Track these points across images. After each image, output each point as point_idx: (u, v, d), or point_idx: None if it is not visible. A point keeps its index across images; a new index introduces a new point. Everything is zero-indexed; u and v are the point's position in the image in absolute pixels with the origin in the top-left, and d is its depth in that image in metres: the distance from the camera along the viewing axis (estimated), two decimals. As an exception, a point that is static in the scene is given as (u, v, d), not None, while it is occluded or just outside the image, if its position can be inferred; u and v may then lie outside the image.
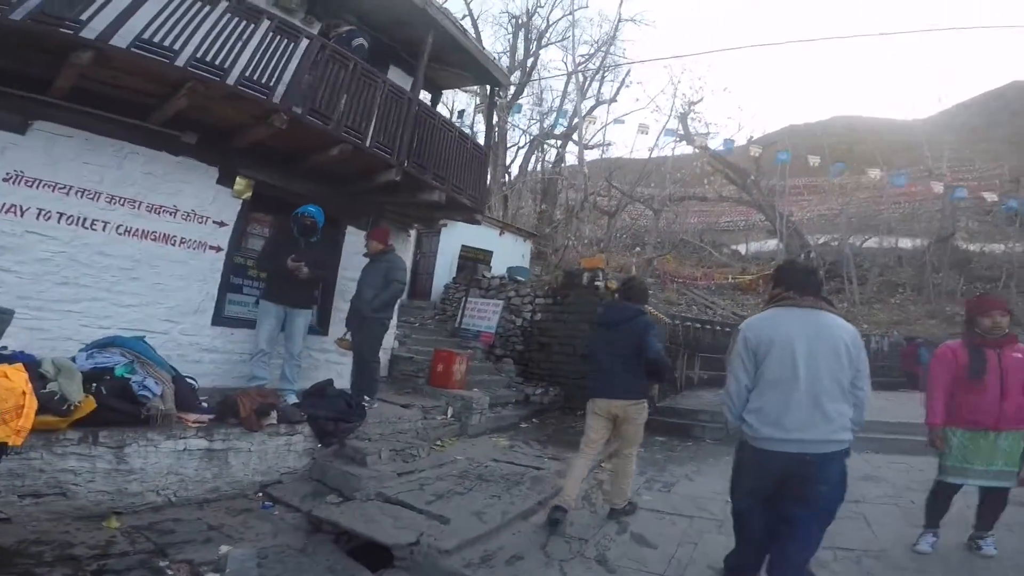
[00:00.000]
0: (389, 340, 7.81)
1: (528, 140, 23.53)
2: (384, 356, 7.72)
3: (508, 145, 23.27)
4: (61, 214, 4.63)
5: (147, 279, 5.12)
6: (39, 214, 4.53)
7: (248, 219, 5.98)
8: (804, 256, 21.22)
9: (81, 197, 4.73)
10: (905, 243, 22.58)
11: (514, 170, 23.71)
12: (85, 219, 4.75)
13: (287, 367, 5.47)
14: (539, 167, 23.07)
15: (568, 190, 22.85)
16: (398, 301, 7.92)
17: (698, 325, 14.73)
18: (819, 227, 24.88)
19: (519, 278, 10.41)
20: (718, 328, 15.07)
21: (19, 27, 3.68)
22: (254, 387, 5.03)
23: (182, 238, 5.35)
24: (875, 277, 20.60)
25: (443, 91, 8.91)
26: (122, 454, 3.89)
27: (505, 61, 21.96)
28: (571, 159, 24.15)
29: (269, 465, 4.70)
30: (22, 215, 4.45)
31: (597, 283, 8.96)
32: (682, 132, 22.62)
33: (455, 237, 12.63)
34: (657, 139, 31.36)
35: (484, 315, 9.83)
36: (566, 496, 4.04)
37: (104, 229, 4.86)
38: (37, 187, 4.52)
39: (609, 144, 34.65)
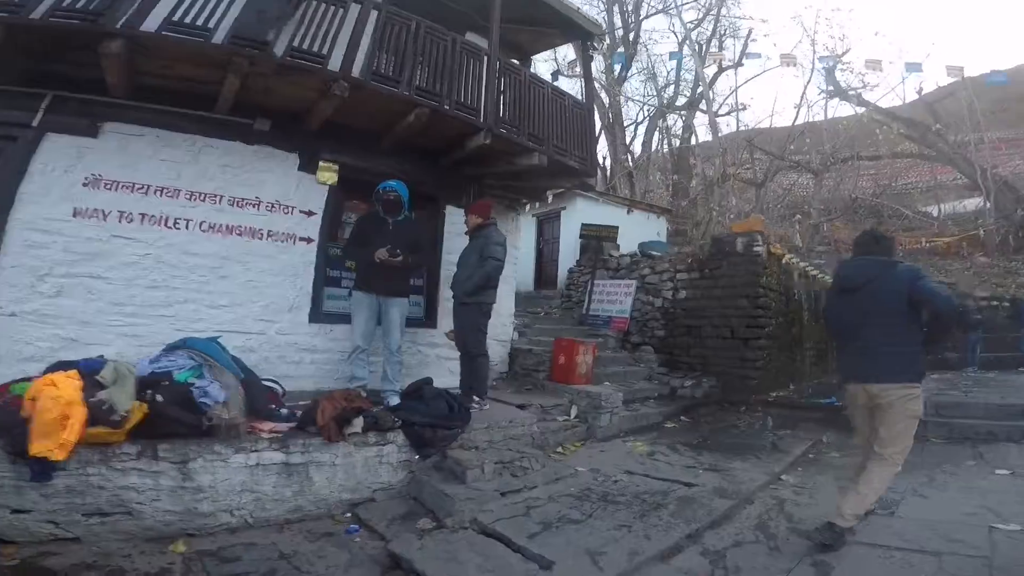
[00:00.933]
0: (507, 331, 6.82)
1: (647, 114, 21.31)
2: (502, 349, 6.76)
3: (625, 124, 21.34)
4: (143, 215, 4.35)
5: (237, 277, 4.71)
6: (121, 216, 4.28)
7: (339, 206, 5.40)
8: (1021, 212, 16.23)
9: (161, 195, 4.43)
10: None
11: (637, 149, 21.64)
12: (167, 218, 4.44)
13: (387, 365, 4.71)
14: (665, 141, 20.74)
15: (703, 163, 20.23)
16: (514, 287, 6.97)
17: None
18: None
19: (654, 252, 8.82)
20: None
21: (41, 25, 3.35)
22: (342, 390, 4.30)
23: (269, 231, 4.88)
24: None
25: (532, 57, 7.73)
26: (186, 469, 3.33)
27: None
28: (701, 133, 21.39)
29: (359, 480, 3.93)
30: (105, 219, 4.23)
31: (756, 248, 7.09)
32: (832, 88, 18.79)
33: (577, 220, 11.37)
34: (802, 96, 26.95)
35: (615, 298, 8.43)
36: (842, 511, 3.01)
37: (187, 227, 4.52)
38: (116, 189, 4.28)
39: (744, 107, 30.69)
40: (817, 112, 19.69)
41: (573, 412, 5.53)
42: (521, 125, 5.47)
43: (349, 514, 3.76)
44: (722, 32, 20.42)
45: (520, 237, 7.10)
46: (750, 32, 21.37)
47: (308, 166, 5.06)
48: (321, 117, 4.73)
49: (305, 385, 4.83)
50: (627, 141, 21.31)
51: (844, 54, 18.92)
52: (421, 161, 5.68)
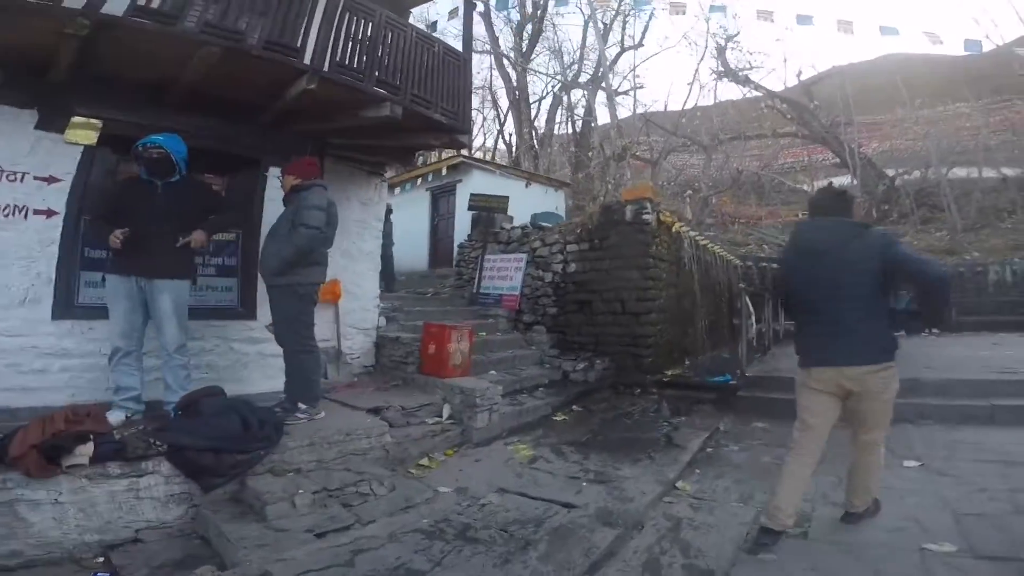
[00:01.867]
0: (370, 317, 5.57)
1: (552, 91, 20.53)
2: (366, 339, 5.52)
3: (531, 101, 20.43)
4: None
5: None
6: None
7: (105, 172, 3.84)
8: (883, 187, 17.56)
9: None
10: (1006, 171, 18.25)
11: (541, 126, 20.80)
12: None
13: (166, 371, 3.36)
14: (568, 118, 20.05)
15: (603, 141, 19.81)
16: (377, 264, 5.69)
17: (775, 266, 11.73)
18: (892, 161, 20.92)
19: (545, 224, 7.89)
20: (799, 267, 12.01)
21: None
22: (68, 407, 2.94)
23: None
24: (974, 203, 16.53)
25: (411, 10, 6.36)
26: None
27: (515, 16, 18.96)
28: (601, 113, 20.93)
29: (107, 520, 2.74)
30: None
31: (646, 216, 6.32)
32: (722, 68, 18.96)
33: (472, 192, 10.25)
34: (695, 74, 27.36)
35: (505, 274, 7.43)
36: (779, 511, 2.52)
37: None
38: None
39: (641, 87, 30.87)
40: (707, 96, 19.87)
41: (445, 412, 4.46)
42: (368, 71, 4.16)
43: (102, 558, 2.62)
44: (626, 11, 19.88)
45: (382, 207, 5.82)
46: (652, 13, 21.05)
47: (52, 124, 3.53)
48: (65, 64, 3.28)
49: (55, 399, 3.38)
50: (532, 117, 20.37)
51: (736, 35, 19.10)
52: (234, 117, 4.24)
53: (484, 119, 23.07)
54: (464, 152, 9.92)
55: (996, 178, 18.12)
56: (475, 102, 24.11)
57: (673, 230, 6.70)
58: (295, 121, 4.48)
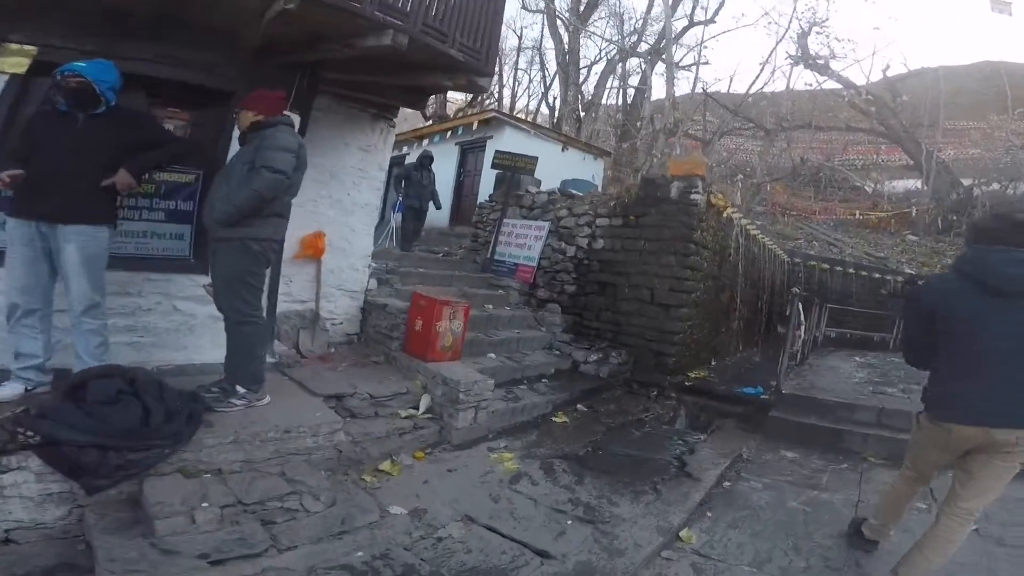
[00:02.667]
0: (359, 278, 4.80)
1: (607, 56, 18.89)
2: (352, 303, 4.78)
3: (581, 66, 18.83)
4: None
5: None
6: None
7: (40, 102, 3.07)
8: (957, 196, 15.63)
9: None
10: None
11: (589, 92, 19.25)
12: None
13: (75, 336, 2.69)
14: (620, 88, 18.47)
15: (655, 114, 18.23)
16: (373, 218, 4.87)
17: (825, 266, 10.44)
18: (971, 171, 18.69)
19: (575, 192, 6.90)
20: (850, 271, 10.64)
21: None
22: None
23: None
24: None
25: None
26: None
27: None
28: (658, 87, 19.17)
29: None
30: None
31: (695, 195, 5.27)
32: (800, 53, 16.92)
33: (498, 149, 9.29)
34: (771, 54, 25.03)
35: (523, 242, 6.53)
36: (881, 524, 2.44)
37: None
38: None
39: (706, 62, 28.51)
40: (778, 82, 17.92)
41: (423, 405, 3.71)
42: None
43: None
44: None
45: (386, 155, 4.90)
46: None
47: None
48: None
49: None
50: (579, 81, 18.85)
51: (824, 20, 16.99)
52: (210, 45, 3.38)
53: (531, 80, 21.68)
54: (493, 104, 8.89)
55: (1093, 202, 16.06)
56: (522, 62, 22.72)
57: (724, 215, 5.65)
58: (280, 51, 3.62)
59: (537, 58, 20.61)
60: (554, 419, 4.31)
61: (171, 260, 3.55)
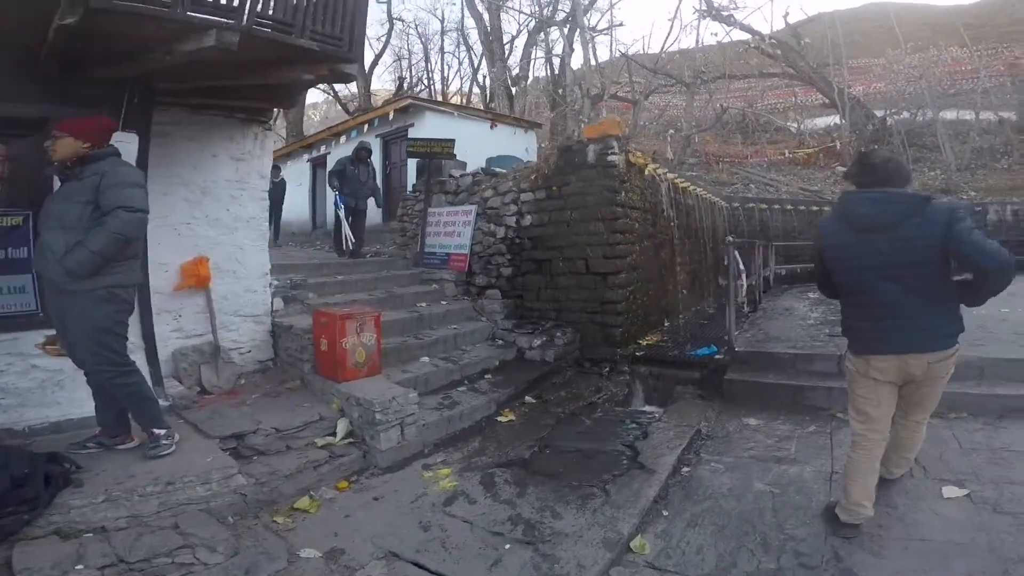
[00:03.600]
0: (262, 300, 4.18)
1: (527, 29, 18.18)
2: (259, 329, 4.18)
3: (504, 41, 18.07)
4: None
5: None
6: None
7: None
8: (873, 127, 15.98)
9: None
10: (987, 115, 16.60)
11: (515, 67, 18.51)
12: None
13: None
14: (545, 60, 17.83)
15: (580, 81, 17.71)
16: (265, 234, 4.20)
17: (763, 206, 10.28)
18: (881, 104, 19.25)
19: (499, 170, 6.35)
20: (789, 208, 10.53)
21: None
22: None
23: None
24: (970, 144, 14.97)
25: None
26: None
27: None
28: (580, 54, 18.69)
29: None
30: None
31: (611, 156, 4.80)
32: (705, 7, 16.66)
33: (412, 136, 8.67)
34: (676, 10, 24.70)
35: (452, 229, 5.97)
36: (859, 506, 2.16)
37: None
38: None
39: (620, 24, 28.07)
40: (690, 38, 17.64)
41: (341, 430, 3.17)
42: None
43: None
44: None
45: (266, 161, 4.25)
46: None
47: None
48: None
49: None
50: (504, 57, 18.07)
51: None
52: (7, 66, 2.68)
53: (460, 63, 20.75)
54: (423, 91, 8.13)
55: (992, 120, 16.65)
56: (448, 44, 21.76)
57: (646, 173, 5.20)
58: (97, 65, 2.91)
59: (462, 40, 19.64)
60: (499, 419, 3.83)
61: (14, 317, 2.92)
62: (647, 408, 3.98)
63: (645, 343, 5.11)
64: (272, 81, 3.42)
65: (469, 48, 19.68)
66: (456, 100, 18.42)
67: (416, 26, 26.38)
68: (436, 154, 6.20)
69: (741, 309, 4.73)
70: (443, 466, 3.12)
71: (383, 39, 20.32)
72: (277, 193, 8.52)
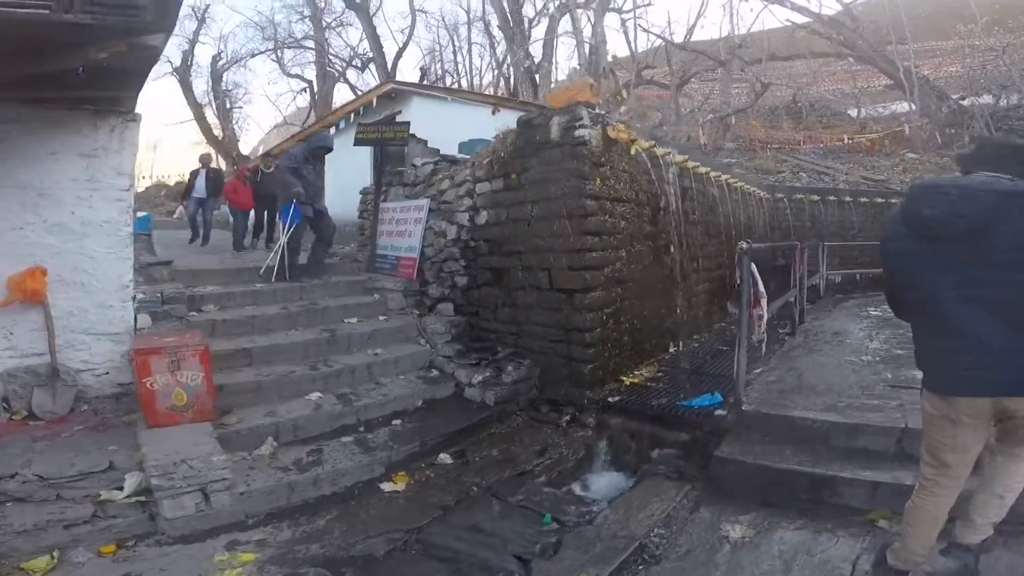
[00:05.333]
0: (122, 316, 3.30)
1: (545, 14, 16.68)
2: (114, 349, 3.33)
3: (525, 27, 16.62)
4: None
5: None
6: None
7: None
8: (948, 110, 13.44)
9: None
10: None
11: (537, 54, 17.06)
12: None
13: None
14: (576, 45, 16.29)
15: (614, 67, 16.04)
16: (128, 240, 3.18)
17: (815, 197, 8.45)
18: (953, 87, 16.41)
19: (461, 156, 5.12)
20: (847, 200, 8.61)
21: None
22: None
23: None
24: None
25: None
26: None
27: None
28: (613, 41, 17.00)
29: None
30: None
31: (581, 131, 3.46)
32: None
33: (416, 126, 7.55)
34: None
35: (404, 228, 4.85)
36: (913, 554, 1.75)
37: None
38: None
39: (649, 3, 25.79)
40: (741, 28, 15.56)
41: (130, 485, 2.40)
42: None
43: None
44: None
45: (126, 156, 3.35)
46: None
47: None
48: None
49: None
50: (527, 44, 16.67)
51: None
52: None
53: (487, 54, 19.60)
54: (454, 84, 7.01)
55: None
56: (475, 35, 20.61)
57: (634, 152, 3.78)
58: None
59: (484, 28, 18.47)
60: (384, 486, 2.71)
61: None
62: (591, 492, 2.70)
63: (630, 382, 3.76)
64: (53, 68, 2.49)
65: (491, 37, 18.42)
66: (489, 92, 17.26)
67: (444, 18, 25.28)
68: (388, 140, 5.10)
69: (761, 344, 3.26)
70: (253, 549, 2.04)
71: (406, 31, 19.43)
72: (270, 186, 7.52)
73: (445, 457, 3.03)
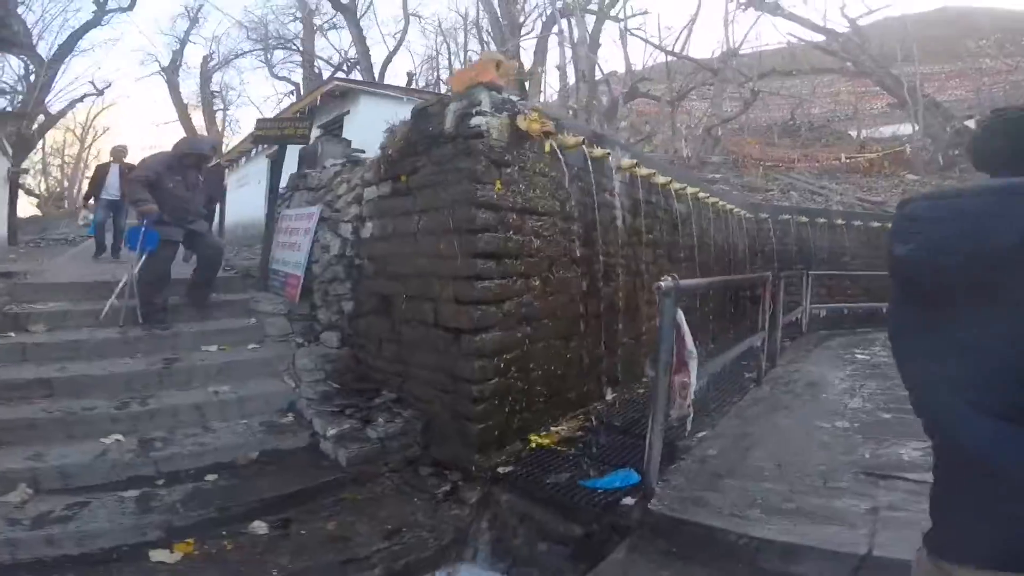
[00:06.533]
0: None
1: (540, 18, 16.17)
2: None
3: (520, 34, 16.09)
4: None
5: None
6: None
7: None
8: (953, 129, 12.78)
9: None
10: None
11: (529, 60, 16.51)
12: None
13: None
14: (569, 52, 15.72)
15: (609, 77, 15.44)
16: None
17: (803, 219, 7.68)
18: (960, 109, 15.84)
19: (362, 155, 4.37)
20: (838, 222, 7.82)
21: None
22: None
23: None
24: None
25: None
26: None
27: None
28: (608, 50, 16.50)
29: None
30: None
31: (477, 119, 2.70)
32: None
33: (362, 126, 6.92)
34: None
35: (295, 240, 4.10)
36: None
37: None
38: None
39: (645, 11, 25.41)
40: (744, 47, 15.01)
41: None
42: None
43: None
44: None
45: None
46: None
47: None
48: None
49: None
50: (518, 50, 16.11)
51: None
52: None
53: (468, 56, 19.03)
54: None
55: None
56: (463, 38, 20.12)
57: (547, 148, 3.01)
58: None
59: (477, 34, 17.98)
60: (154, 554, 2.10)
61: None
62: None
63: (538, 443, 2.96)
64: None
65: (483, 44, 17.90)
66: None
67: (440, 24, 24.86)
68: (288, 138, 4.34)
69: (685, 422, 2.42)
70: None
71: (398, 36, 18.96)
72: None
73: (260, 526, 2.24)
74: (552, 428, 3.21)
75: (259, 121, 4.72)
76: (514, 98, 3.00)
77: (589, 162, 3.56)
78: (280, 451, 2.80)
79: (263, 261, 4.34)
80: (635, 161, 3.91)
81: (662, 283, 2.08)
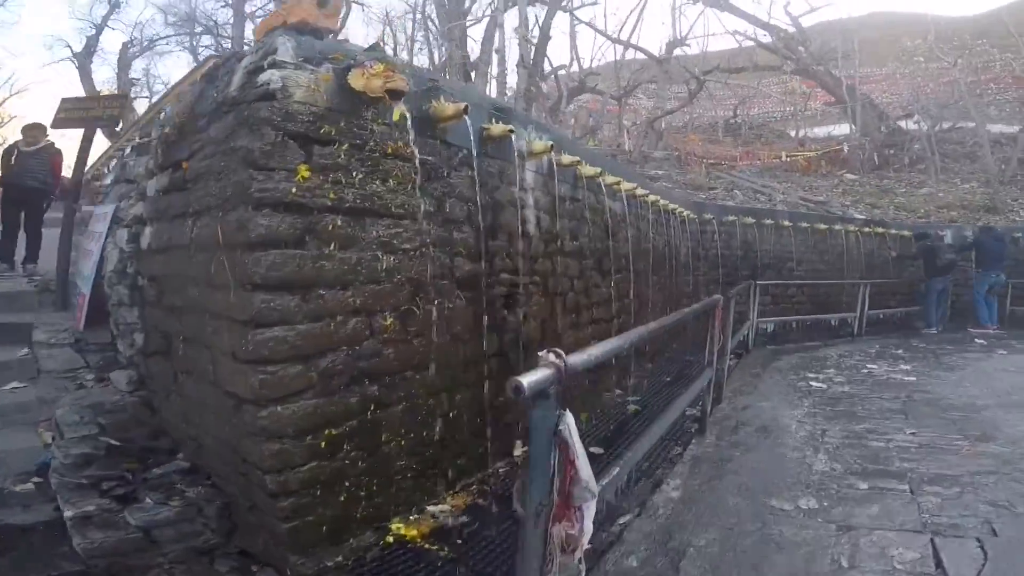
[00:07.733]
0: None
1: (489, 11, 14.99)
2: None
3: (468, 24, 14.86)
4: None
5: None
6: None
7: None
8: (887, 129, 12.65)
9: None
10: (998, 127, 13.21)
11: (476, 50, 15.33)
12: None
13: None
14: (522, 41, 14.63)
15: (557, 71, 14.45)
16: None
17: (749, 220, 6.94)
18: (897, 109, 15.99)
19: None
20: (785, 224, 7.15)
21: None
22: None
23: None
24: (1016, 153, 11.47)
25: None
26: None
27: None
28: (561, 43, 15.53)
29: None
30: None
31: (266, 75, 1.64)
32: None
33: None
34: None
35: (89, 247, 2.87)
36: None
37: None
38: None
39: (595, 2, 24.59)
40: (693, 46, 14.39)
41: None
42: None
43: None
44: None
45: None
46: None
47: None
48: None
49: None
50: (464, 41, 14.84)
51: None
52: None
53: (422, 49, 17.65)
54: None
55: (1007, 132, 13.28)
56: (410, 27, 18.65)
57: (396, 117, 1.96)
58: None
59: (423, 23, 16.55)
60: None
61: None
62: None
63: (401, 533, 1.97)
64: None
65: (428, 33, 16.54)
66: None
67: (388, 13, 23.16)
68: (97, 120, 3.11)
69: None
70: None
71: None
72: (27, 176, 4.23)
73: None
74: (428, 508, 2.22)
75: (63, 101, 3.41)
76: (357, 48, 1.93)
77: (483, 144, 2.55)
78: (8, 527, 1.70)
79: (59, 271, 3.10)
80: (550, 144, 2.90)
81: (522, 380, 1.02)
